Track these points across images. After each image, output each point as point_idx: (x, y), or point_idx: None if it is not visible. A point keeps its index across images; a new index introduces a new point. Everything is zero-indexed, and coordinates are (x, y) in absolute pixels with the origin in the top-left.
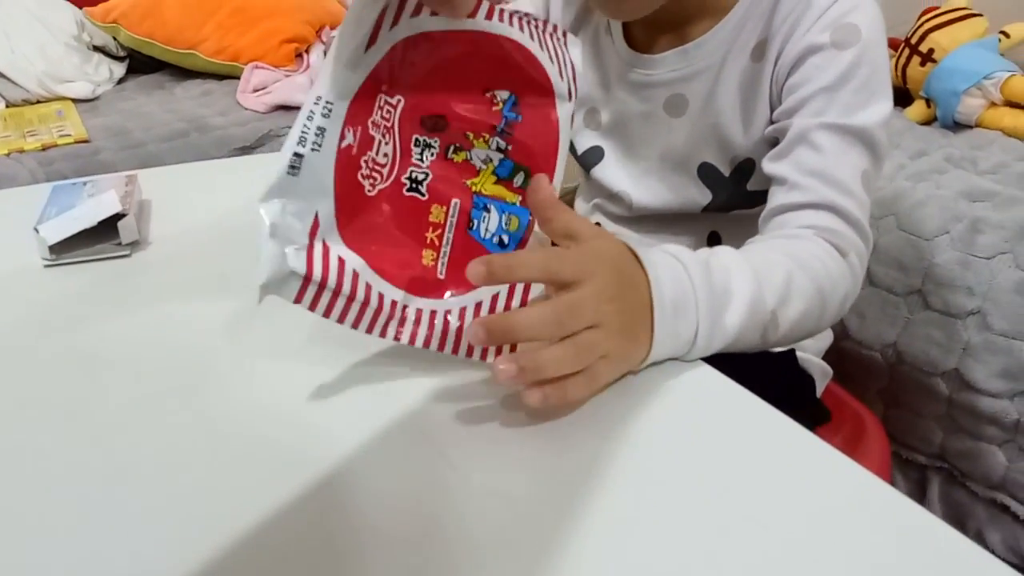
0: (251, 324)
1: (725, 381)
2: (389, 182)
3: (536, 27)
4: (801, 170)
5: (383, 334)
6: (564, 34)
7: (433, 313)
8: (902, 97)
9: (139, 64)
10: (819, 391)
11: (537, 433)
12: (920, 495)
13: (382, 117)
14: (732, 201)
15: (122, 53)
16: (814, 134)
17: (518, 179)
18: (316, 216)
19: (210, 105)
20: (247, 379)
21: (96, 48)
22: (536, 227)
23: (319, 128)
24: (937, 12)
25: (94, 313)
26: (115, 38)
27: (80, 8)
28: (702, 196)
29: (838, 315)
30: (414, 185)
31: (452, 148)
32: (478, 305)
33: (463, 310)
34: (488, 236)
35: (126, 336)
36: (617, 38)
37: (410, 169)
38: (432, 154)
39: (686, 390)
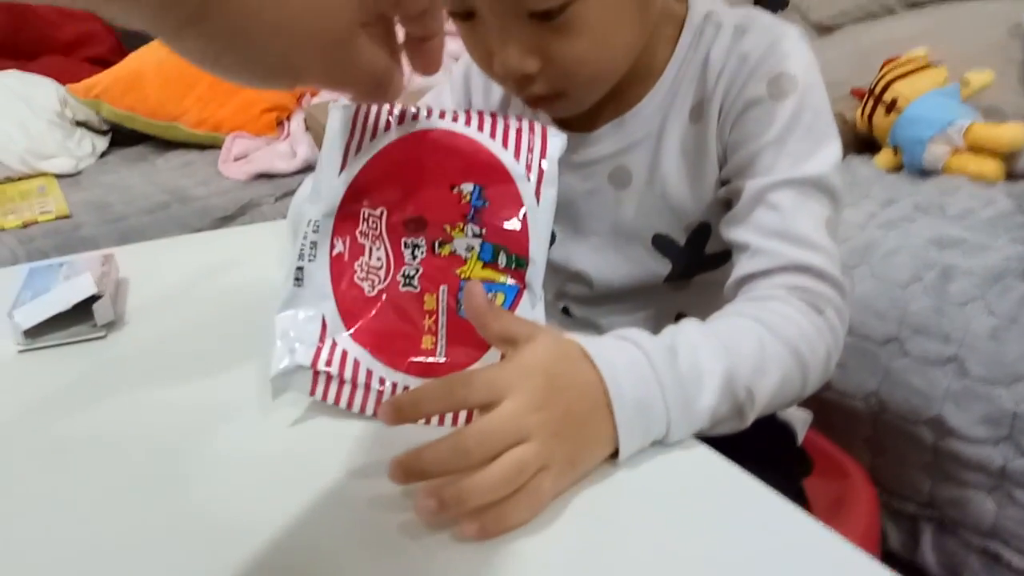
0: (230, 407)
1: (706, 450)
2: (387, 282)
3: (492, 121)
4: (761, 233)
5: (373, 413)
6: (543, 128)
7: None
8: (870, 145)
9: (122, 137)
10: (800, 438)
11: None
12: (913, 545)
13: (369, 227)
14: (692, 268)
15: (105, 127)
16: (769, 194)
17: (501, 259)
18: (323, 318)
19: (191, 176)
20: (227, 464)
21: (79, 123)
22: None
23: (312, 243)
24: (898, 63)
25: (69, 398)
26: (98, 112)
27: (63, 85)
28: (661, 267)
29: (824, 375)
30: (407, 280)
31: (437, 243)
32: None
33: None
34: None
35: (102, 421)
36: (548, 121)
37: (403, 268)
38: (421, 252)
39: (664, 459)
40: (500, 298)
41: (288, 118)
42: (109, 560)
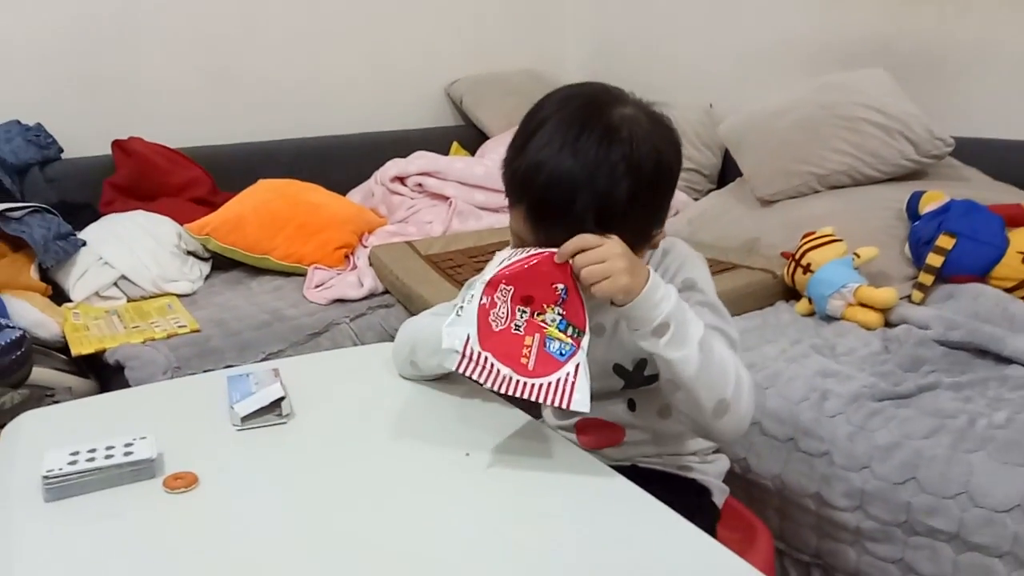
0: (374, 473)
1: (643, 494)
2: (505, 325)
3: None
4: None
5: (496, 388)
6: None
7: (522, 383)
8: (794, 294)
9: (219, 263)
10: (719, 503)
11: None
12: None
13: (501, 295)
14: (637, 383)
15: (207, 255)
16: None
17: (570, 331)
18: (467, 334)
19: (283, 299)
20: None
21: (189, 252)
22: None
23: (471, 295)
24: (813, 237)
25: (267, 459)
26: (205, 246)
27: (180, 224)
28: (618, 383)
29: (743, 398)
30: (516, 327)
31: (535, 313)
32: (544, 384)
33: (541, 384)
34: (554, 350)
35: (291, 472)
36: None
37: (514, 321)
38: (525, 316)
39: (613, 502)
40: (566, 347)
41: (353, 252)
42: None
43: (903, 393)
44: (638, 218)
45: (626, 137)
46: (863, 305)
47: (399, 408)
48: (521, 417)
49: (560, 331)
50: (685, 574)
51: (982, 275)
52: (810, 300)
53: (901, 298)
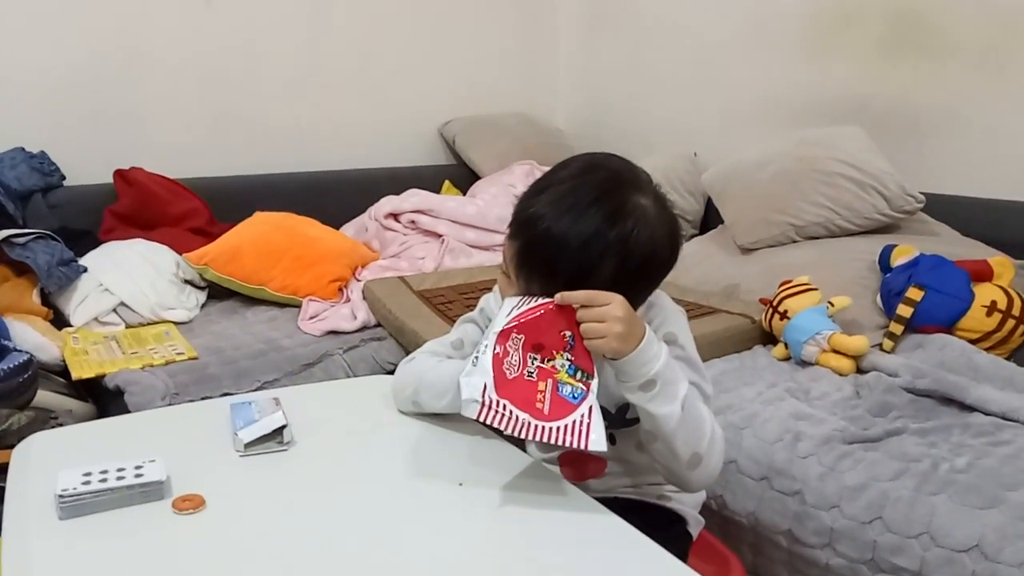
0: (371, 494)
1: (624, 525)
2: (518, 373)
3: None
4: None
5: (515, 432)
6: None
7: (540, 427)
8: (771, 339)
9: (215, 291)
10: (694, 534)
11: None
12: None
13: (512, 344)
14: (618, 425)
15: (203, 284)
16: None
17: (579, 375)
18: (484, 384)
19: (278, 329)
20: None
21: (186, 281)
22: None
23: (486, 345)
24: (790, 285)
25: (269, 482)
26: (202, 275)
27: (179, 253)
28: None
29: (715, 453)
30: (529, 374)
31: (548, 359)
32: (561, 427)
33: (558, 427)
34: (566, 394)
35: (292, 494)
36: None
37: (527, 368)
38: (536, 362)
39: (594, 532)
40: (578, 391)
41: (347, 286)
42: None
43: (872, 437)
44: (639, 284)
45: (630, 223)
46: (836, 352)
47: (395, 438)
48: (510, 449)
49: (570, 376)
50: None
51: (949, 326)
52: (786, 345)
53: (872, 346)
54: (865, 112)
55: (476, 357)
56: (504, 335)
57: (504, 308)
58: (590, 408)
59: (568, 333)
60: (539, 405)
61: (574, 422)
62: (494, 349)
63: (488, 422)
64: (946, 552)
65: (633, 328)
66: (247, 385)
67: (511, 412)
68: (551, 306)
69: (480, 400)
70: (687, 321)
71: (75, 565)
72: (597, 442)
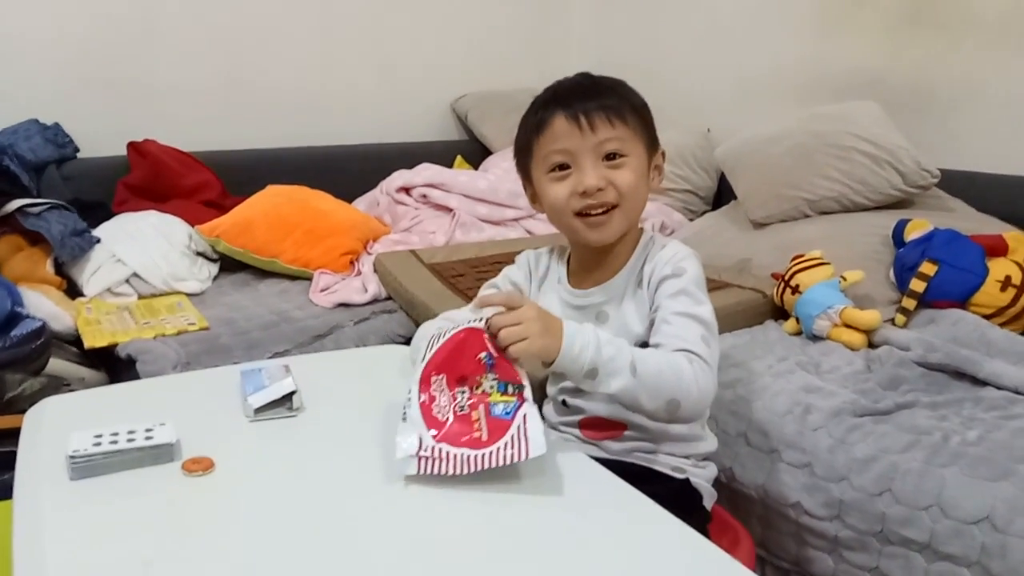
0: (371, 465)
1: (638, 494)
2: (451, 412)
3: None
4: (666, 337)
5: (458, 472)
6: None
7: (479, 456)
8: (783, 313)
9: (227, 264)
10: (708, 504)
11: None
12: None
13: (437, 387)
14: None
15: (215, 257)
16: (670, 317)
17: (509, 388)
18: (419, 436)
19: (289, 301)
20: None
21: (198, 253)
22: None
23: (409, 399)
24: (802, 259)
25: (279, 448)
26: (214, 247)
27: (192, 225)
28: None
29: (692, 388)
30: (460, 408)
31: (475, 387)
32: (501, 447)
33: (497, 449)
34: (499, 413)
35: (301, 460)
36: (563, 282)
37: (457, 403)
38: (466, 393)
39: (610, 502)
40: (510, 405)
41: (358, 259)
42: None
43: (882, 410)
44: (646, 122)
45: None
46: (848, 326)
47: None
48: None
49: (501, 393)
50: (678, 572)
51: (962, 301)
52: (798, 320)
53: (884, 321)
54: (880, 87)
55: (404, 412)
56: (425, 381)
57: (417, 356)
58: (524, 416)
59: (483, 354)
60: (476, 434)
61: (513, 437)
62: (419, 399)
63: (429, 472)
64: (955, 524)
65: (549, 322)
66: (259, 355)
67: (448, 454)
68: (457, 335)
69: (416, 455)
70: (699, 263)
71: (85, 524)
72: (537, 447)
